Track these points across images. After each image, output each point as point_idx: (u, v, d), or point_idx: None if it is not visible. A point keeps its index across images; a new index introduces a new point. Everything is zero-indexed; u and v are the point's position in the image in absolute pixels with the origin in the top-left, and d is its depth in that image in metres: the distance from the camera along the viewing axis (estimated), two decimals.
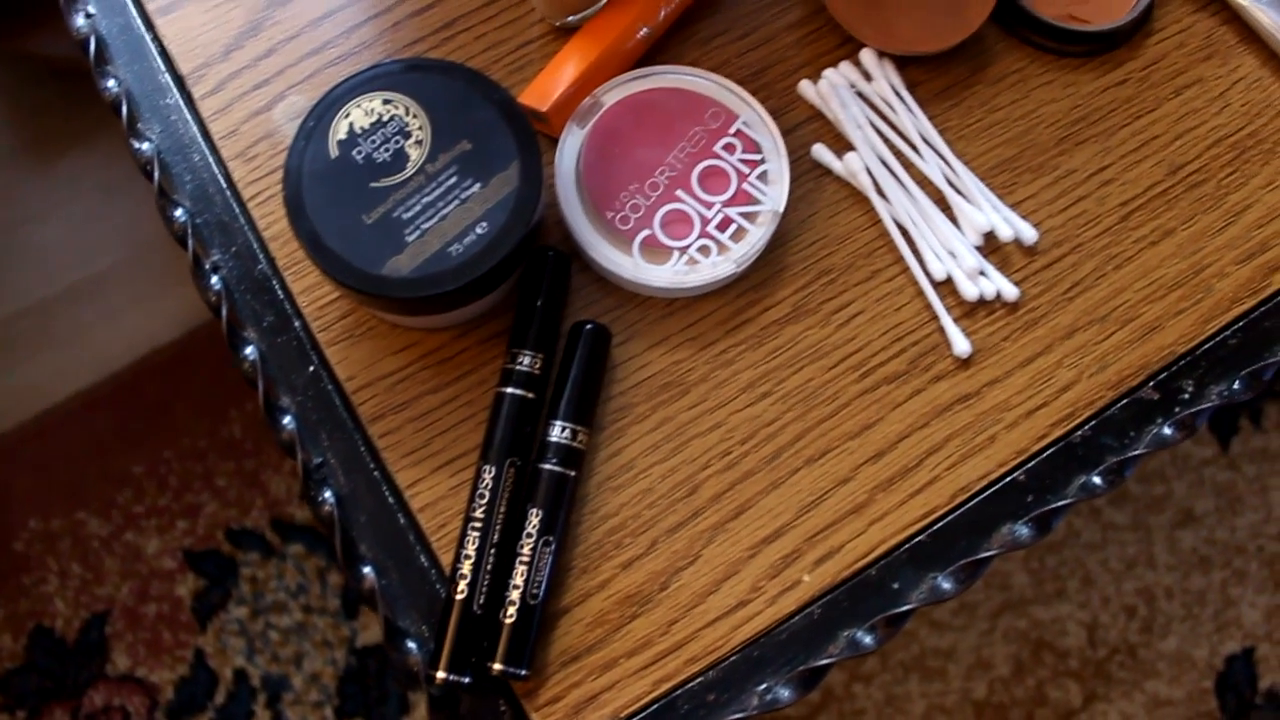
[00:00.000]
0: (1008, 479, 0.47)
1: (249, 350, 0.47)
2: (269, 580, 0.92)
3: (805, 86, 0.49)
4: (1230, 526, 0.96)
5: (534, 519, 0.43)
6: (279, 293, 0.47)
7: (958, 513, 0.46)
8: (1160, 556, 0.95)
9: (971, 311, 0.48)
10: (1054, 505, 0.46)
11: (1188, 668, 0.93)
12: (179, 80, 0.50)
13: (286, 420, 0.46)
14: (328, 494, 0.45)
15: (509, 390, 0.44)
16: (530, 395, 0.45)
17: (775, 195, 0.46)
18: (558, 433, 0.44)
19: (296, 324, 0.47)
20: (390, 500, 0.45)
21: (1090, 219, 0.50)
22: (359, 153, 0.42)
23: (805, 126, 0.50)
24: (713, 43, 0.50)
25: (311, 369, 0.47)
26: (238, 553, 0.93)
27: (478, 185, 0.42)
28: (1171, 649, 0.94)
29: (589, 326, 0.45)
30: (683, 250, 0.45)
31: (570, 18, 0.49)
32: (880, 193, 0.48)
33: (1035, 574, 0.94)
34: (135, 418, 0.92)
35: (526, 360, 0.45)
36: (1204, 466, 0.97)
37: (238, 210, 0.48)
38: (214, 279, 0.47)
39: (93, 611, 0.90)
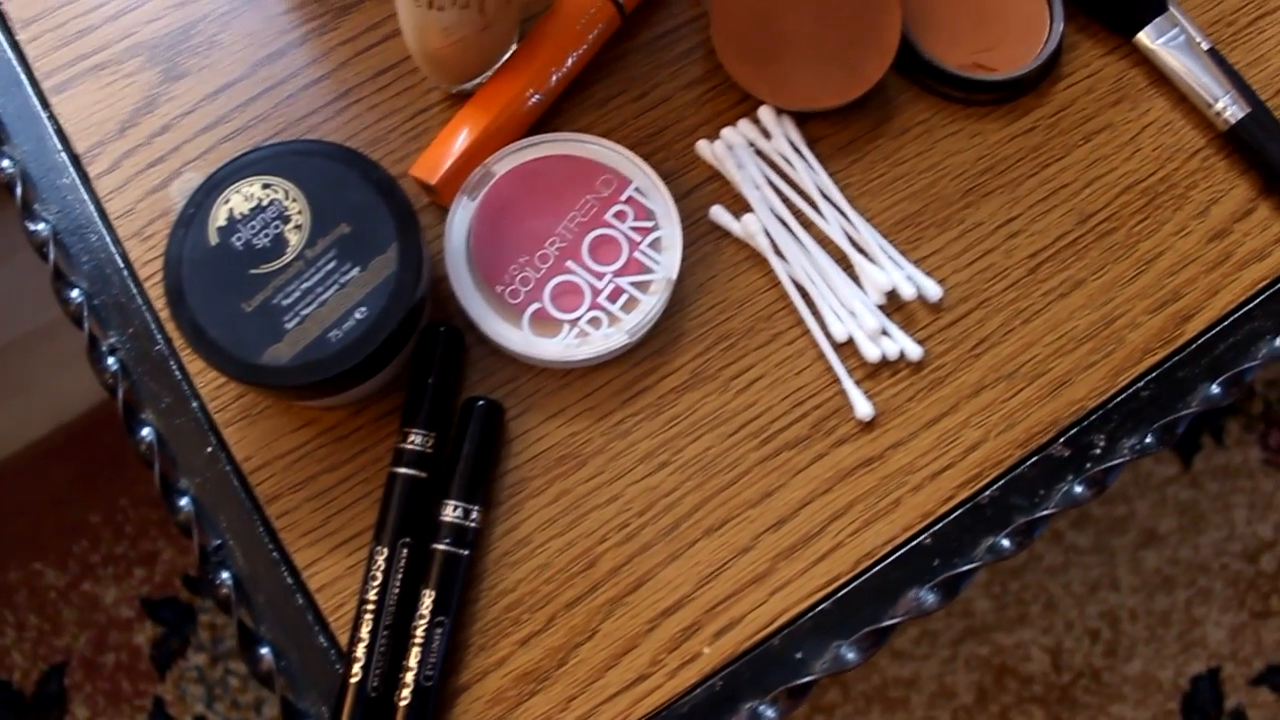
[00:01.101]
0: (913, 543, 0.46)
1: (145, 432, 0.47)
2: (227, 626, 0.92)
3: (703, 146, 0.49)
4: (1194, 545, 0.95)
5: (427, 600, 0.43)
6: (176, 373, 0.47)
7: (862, 579, 0.46)
8: (1123, 578, 0.95)
9: (875, 372, 0.48)
10: (961, 569, 0.46)
11: (1153, 690, 0.92)
12: (75, 159, 0.50)
13: (184, 502, 0.46)
14: (225, 575, 0.45)
15: (401, 470, 0.44)
16: (422, 475, 0.44)
17: (668, 262, 0.46)
18: (450, 512, 0.44)
19: (194, 404, 0.47)
20: (289, 580, 0.45)
21: (998, 272, 0.49)
22: (238, 239, 0.42)
23: (704, 187, 0.49)
24: (609, 104, 0.50)
25: (209, 449, 0.47)
26: (195, 599, 0.93)
27: (357, 269, 0.42)
28: (1136, 671, 0.93)
29: (480, 403, 0.45)
30: (573, 323, 0.45)
31: (463, 85, 0.49)
32: (779, 254, 0.48)
33: (997, 599, 0.93)
34: (90, 466, 0.92)
35: (418, 439, 0.44)
36: (1166, 485, 0.96)
37: (135, 290, 0.48)
38: (110, 360, 0.48)
39: (51, 663, 0.91)
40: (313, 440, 0.47)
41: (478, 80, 0.50)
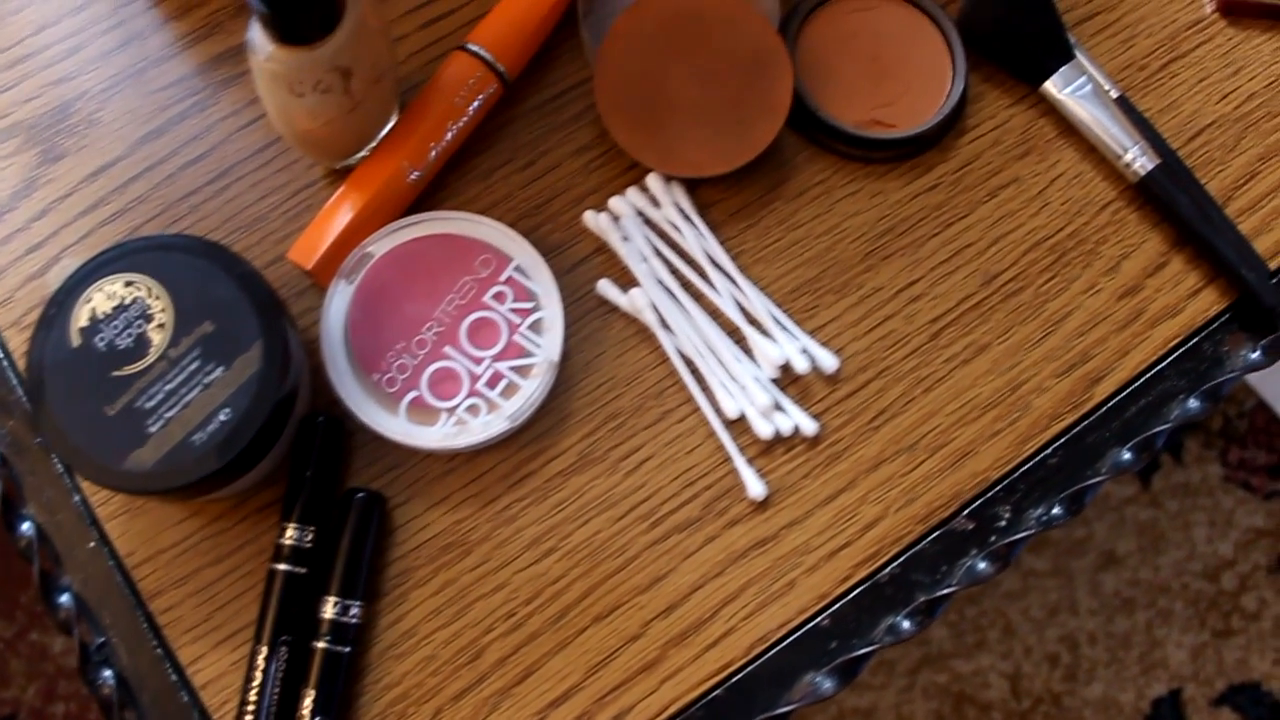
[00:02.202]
0: (809, 626, 0.45)
1: (25, 527, 0.46)
2: None
3: (590, 218, 0.48)
4: (1153, 566, 0.93)
5: (308, 701, 0.43)
6: (58, 466, 0.46)
7: (756, 664, 0.45)
8: (1082, 601, 0.93)
9: (769, 449, 0.46)
10: (859, 652, 0.45)
11: (1114, 713, 0.91)
12: None
13: (64, 599, 0.45)
14: (108, 674, 0.44)
15: (279, 566, 0.44)
16: (302, 570, 0.43)
17: (549, 345, 0.45)
18: (331, 609, 0.43)
19: (76, 498, 0.46)
20: (173, 678, 0.45)
21: (898, 339, 0.48)
22: (101, 340, 0.41)
23: (593, 259, 0.48)
24: (495, 175, 0.49)
25: (91, 544, 0.46)
26: None
27: (220, 369, 0.41)
28: (1097, 695, 0.92)
29: (359, 495, 0.44)
30: (451, 411, 0.44)
31: (345, 161, 0.47)
32: (668, 328, 0.46)
33: (954, 626, 0.92)
34: None
35: (296, 534, 0.44)
36: (1125, 506, 0.94)
37: (14, 381, 0.47)
38: None
39: None
40: (197, 533, 0.46)
41: (359, 155, 0.48)
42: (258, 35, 0.43)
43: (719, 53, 0.49)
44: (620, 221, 0.49)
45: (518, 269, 0.47)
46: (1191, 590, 0.97)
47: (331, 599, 0.44)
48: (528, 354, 0.46)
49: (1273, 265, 0.52)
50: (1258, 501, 1.00)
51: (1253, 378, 0.99)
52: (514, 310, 0.46)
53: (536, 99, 0.51)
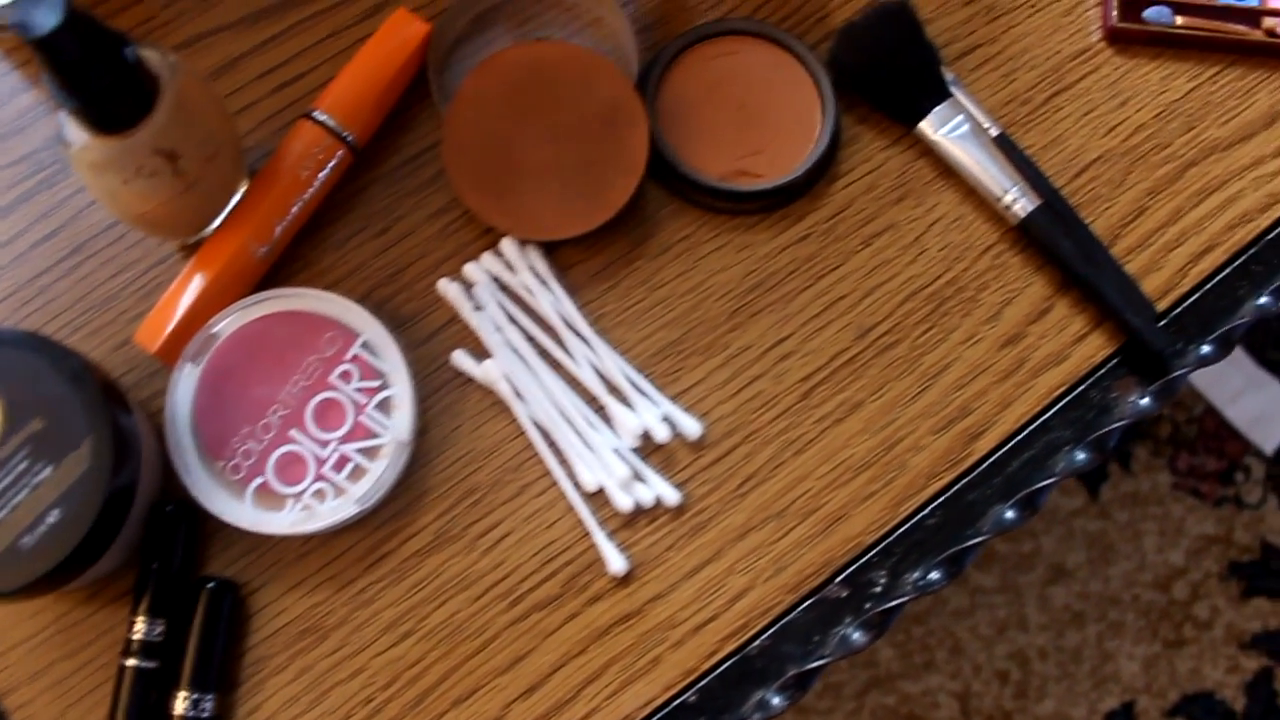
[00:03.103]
0: (676, 702, 0.44)
1: None
2: None
3: (443, 287, 0.46)
4: (1104, 577, 0.91)
5: None
6: None
7: None
8: (1032, 616, 0.91)
9: (632, 520, 0.45)
10: None
11: None
12: None
13: None
14: None
15: (129, 662, 0.42)
16: (152, 664, 0.42)
17: (398, 424, 0.43)
18: (182, 704, 0.42)
19: None
20: None
21: (766, 400, 0.46)
22: None
23: (449, 328, 0.47)
24: (349, 243, 0.47)
25: None
26: None
27: (49, 468, 0.40)
28: (1049, 711, 0.89)
29: (210, 585, 0.43)
30: (297, 497, 0.43)
31: (193, 237, 0.46)
32: (524, 399, 0.44)
33: (901, 647, 0.89)
34: None
35: (145, 627, 0.42)
36: (1073, 518, 0.92)
37: None
38: None
39: None
40: (50, 626, 0.45)
41: (210, 228, 0.46)
42: (69, 127, 0.41)
43: (572, 110, 0.47)
44: (475, 289, 0.47)
45: (365, 345, 0.45)
46: (1142, 601, 0.94)
47: (183, 694, 0.43)
48: (375, 435, 0.44)
49: (1162, 305, 0.50)
50: (1208, 508, 0.98)
51: (1201, 382, 0.96)
52: (360, 390, 0.45)
53: (391, 162, 0.49)
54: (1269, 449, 1.00)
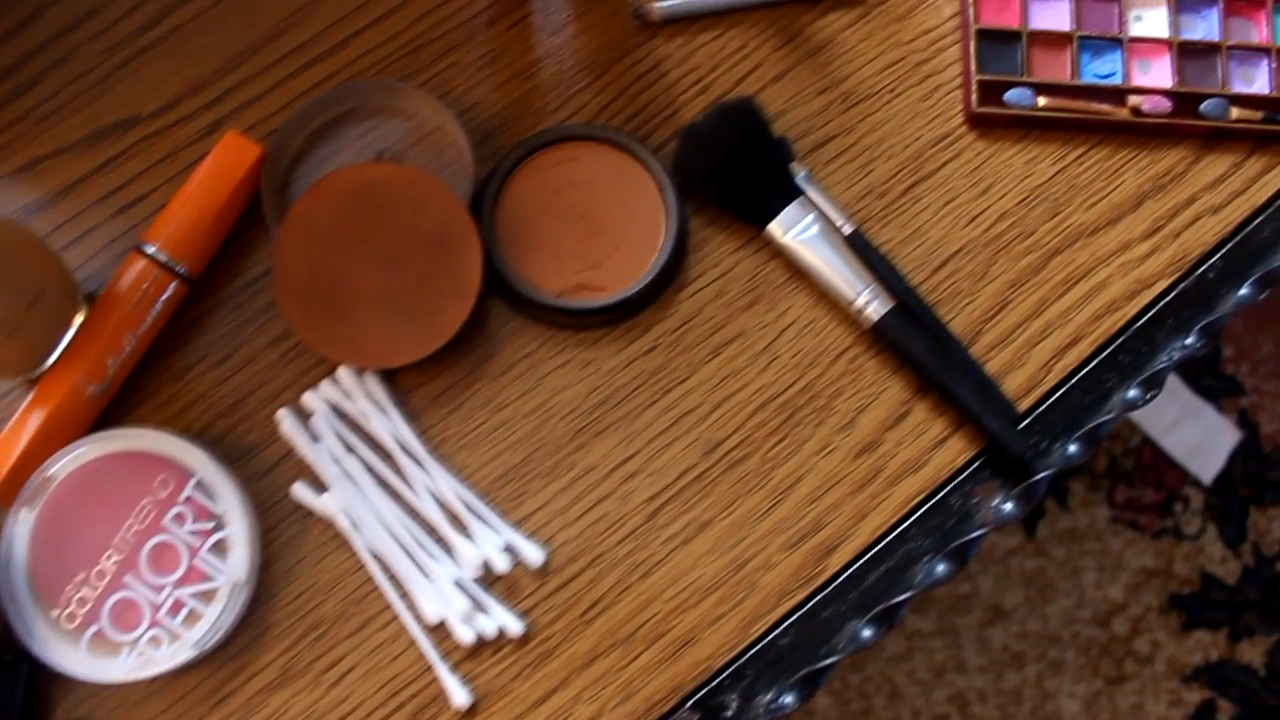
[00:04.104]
0: None
1: None
2: None
3: (281, 418, 0.45)
4: (1042, 616, 0.89)
5: None
6: None
7: None
8: (970, 659, 0.89)
9: (477, 651, 0.44)
10: None
11: None
12: None
13: None
14: None
15: None
16: None
17: (234, 565, 0.42)
18: None
19: None
20: None
21: (612, 523, 0.45)
22: None
23: (291, 458, 0.47)
24: (190, 373, 0.46)
25: None
26: None
27: None
28: None
29: None
30: (133, 644, 0.42)
31: (28, 375, 0.44)
32: (365, 531, 0.43)
33: (838, 695, 0.88)
34: None
35: None
36: (1010, 557, 0.90)
37: None
38: None
39: None
40: None
41: (48, 363, 0.45)
42: None
43: (403, 234, 0.46)
44: (313, 419, 0.46)
45: (199, 485, 0.44)
46: (1082, 638, 0.93)
47: None
48: (210, 578, 0.43)
49: (1026, 402, 0.48)
50: (1147, 541, 0.96)
51: (1137, 413, 0.93)
52: (194, 532, 0.44)
53: (231, 287, 0.48)
54: (1207, 478, 0.98)
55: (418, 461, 0.47)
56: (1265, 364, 1.01)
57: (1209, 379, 1.00)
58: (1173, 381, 0.92)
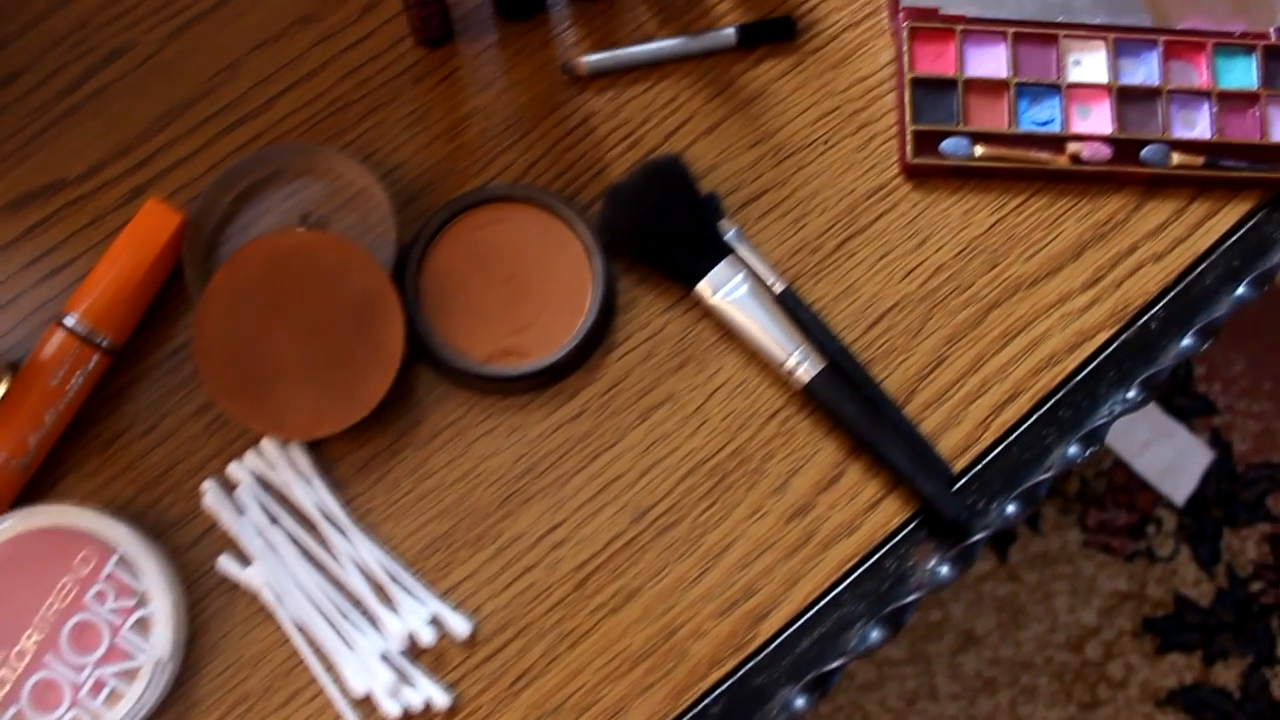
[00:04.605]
0: None
1: None
2: None
3: (207, 490, 0.44)
4: (1015, 642, 0.88)
5: None
6: None
7: None
8: (942, 686, 0.88)
9: None
10: None
11: None
12: None
13: None
14: None
15: None
16: None
17: (157, 643, 0.42)
18: None
19: None
20: None
21: (540, 592, 0.44)
22: None
23: (217, 529, 0.45)
24: (115, 444, 0.46)
25: None
26: None
27: None
28: None
29: None
30: None
31: None
32: (289, 604, 0.43)
33: None
34: None
35: None
36: (982, 582, 0.89)
37: None
38: None
39: None
40: None
41: None
42: None
43: (324, 303, 0.45)
44: (238, 490, 0.45)
45: (121, 562, 0.44)
46: (1055, 663, 0.92)
47: None
48: (132, 656, 0.43)
49: (964, 461, 0.47)
50: (1120, 564, 0.94)
51: (1109, 434, 0.91)
52: (115, 610, 0.43)
53: (155, 356, 0.48)
54: (1180, 499, 0.97)
55: (342, 532, 0.46)
56: (1238, 382, 1.00)
57: (1181, 398, 0.99)
58: None
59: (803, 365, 0.47)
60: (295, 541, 0.46)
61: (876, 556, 0.47)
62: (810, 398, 0.47)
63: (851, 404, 0.47)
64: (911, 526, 0.47)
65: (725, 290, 0.48)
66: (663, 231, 0.47)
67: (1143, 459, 0.95)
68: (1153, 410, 0.96)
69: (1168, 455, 0.95)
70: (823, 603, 0.47)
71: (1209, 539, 0.96)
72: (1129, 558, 0.93)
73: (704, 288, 0.48)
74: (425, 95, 0.50)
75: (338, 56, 0.51)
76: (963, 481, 0.48)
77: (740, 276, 0.48)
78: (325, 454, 0.47)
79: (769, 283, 0.48)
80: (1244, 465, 0.97)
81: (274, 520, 0.47)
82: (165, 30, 0.51)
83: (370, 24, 0.51)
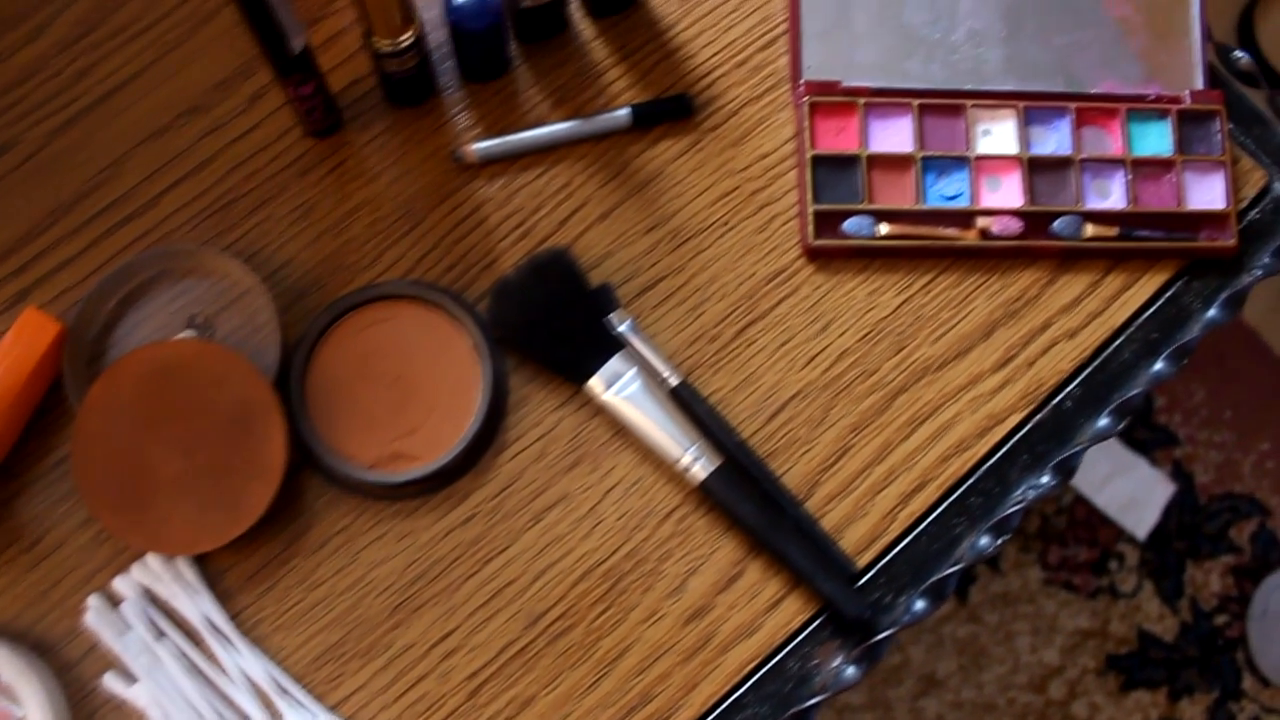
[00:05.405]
0: None
1: None
2: None
3: (90, 607, 0.43)
4: (976, 684, 0.86)
5: None
6: None
7: None
8: None
9: None
10: None
11: None
12: None
13: None
14: None
15: None
16: None
17: None
18: None
19: None
20: None
21: (432, 703, 0.43)
22: None
23: (104, 646, 0.42)
24: None
25: None
26: None
27: None
28: None
29: None
30: None
31: None
32: None
33: None
34: None
35: None
36: (942, 624, 0.86)
37: None
38: None
39: None
40: None
41: None
42: None
43: (203, 414, 0.43)
44: (123, 605, 0.43)
45: None
46: (1018, 705, 0.89)
47: None
48: None
49: (869, 555, 0.45)
50: (1082, 601, 0.92)
51: None
52: None
53: (39, 468, 0.46)
54: (1142, 534, 0.94)
55: (230, 645, 0.45)
56: (1198, 412, 0.97)
57: (1142, 431, 0.96)
58: None
59: (698, 462, 0.45)
60: (183, 656, 0.45)
61: (778, 658, 0.45)
62: (707, 494, 0.46)
63: (748, 502, 0.45)
64: (815, 625, 0.45)
65: (617, 387, 0.45)
66: (550, 329, 0.45)
67: (1103, 494, 0.92)
68: (1113, 444, 0.93)
69: (1129, 489, 0.92)
70: (723, 707, 0.44)
71: (1172, 573, 0.93)
72: (1091, 595, 0.91)
73: (595, 385, 0.46)
74: (313, 188, 0.48)
75: (226, 148, 0.49)
76: (869, 575, 0.46)
77: (632, 372, 0.46)
78: (213, 564, 0.45)
79: (663, 376, 0.46)
80: (1206, 497, 0.95)
81: (161, 635, 0.45)
82: (49, 125, 0.49)
83: (259, 114, 0.50)
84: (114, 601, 0.44)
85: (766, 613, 0.45)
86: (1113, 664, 0.90)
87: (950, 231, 0.48)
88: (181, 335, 0.47)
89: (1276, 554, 0.93)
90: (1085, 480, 0.91)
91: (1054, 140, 0.49)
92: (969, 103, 0.49)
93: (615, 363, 0.46)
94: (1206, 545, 0.94)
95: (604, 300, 0.46)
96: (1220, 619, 0.92)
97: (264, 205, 0.49)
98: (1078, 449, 0.47)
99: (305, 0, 0.51)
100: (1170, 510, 0.93)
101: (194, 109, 0.50)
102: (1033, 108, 0.49)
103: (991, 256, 0.48)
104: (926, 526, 0.46)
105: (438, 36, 0.49)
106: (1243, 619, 0.92)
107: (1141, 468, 0.93)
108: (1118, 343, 0.48)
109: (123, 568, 0.45)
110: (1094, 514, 0.92)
